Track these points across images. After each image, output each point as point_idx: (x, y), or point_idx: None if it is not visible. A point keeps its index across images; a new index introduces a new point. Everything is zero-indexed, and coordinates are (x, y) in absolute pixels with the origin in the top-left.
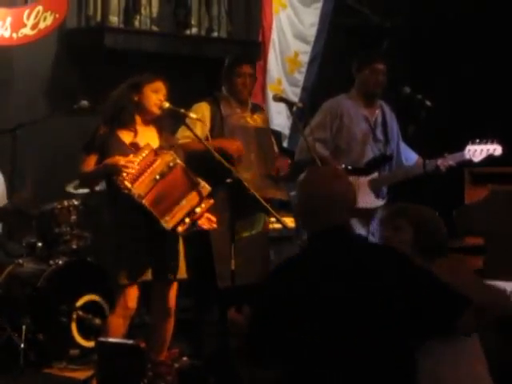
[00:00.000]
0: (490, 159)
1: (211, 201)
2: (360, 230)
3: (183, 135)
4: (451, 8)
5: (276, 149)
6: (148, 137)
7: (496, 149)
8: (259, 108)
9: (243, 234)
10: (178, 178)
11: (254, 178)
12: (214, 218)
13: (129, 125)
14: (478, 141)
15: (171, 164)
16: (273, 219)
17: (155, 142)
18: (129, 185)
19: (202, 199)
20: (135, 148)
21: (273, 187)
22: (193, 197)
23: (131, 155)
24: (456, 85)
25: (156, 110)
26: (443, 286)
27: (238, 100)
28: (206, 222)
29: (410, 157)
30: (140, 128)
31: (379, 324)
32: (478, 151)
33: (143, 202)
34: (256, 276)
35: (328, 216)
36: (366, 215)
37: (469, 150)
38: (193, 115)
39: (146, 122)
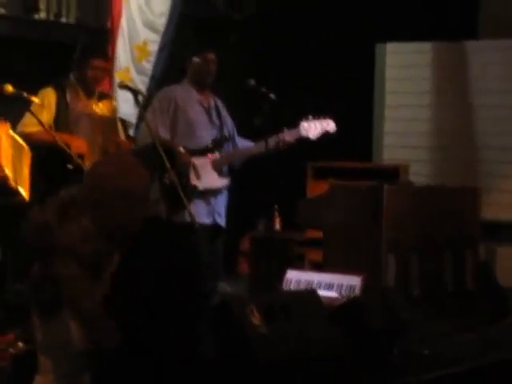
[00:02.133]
0: (332, 152)
1: None
2: (203, 208)
3: (30, 122)
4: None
5: (122, 137)
6: None
7: (329, 123)
8: (106, 96)
9: None
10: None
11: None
12: None
13: None
14: (310, 117)
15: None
16: None
17: None
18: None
19: None
20: None
21: None
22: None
23: None
24: (300, 80)
25: None
26: None
27: (87, 91)
28: None
29: (246, 144)
30: None
31: None
32: (312, 127)
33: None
34: None
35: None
36: (212, 196)
37: (303, 126)
38: (36, 100)
39: None
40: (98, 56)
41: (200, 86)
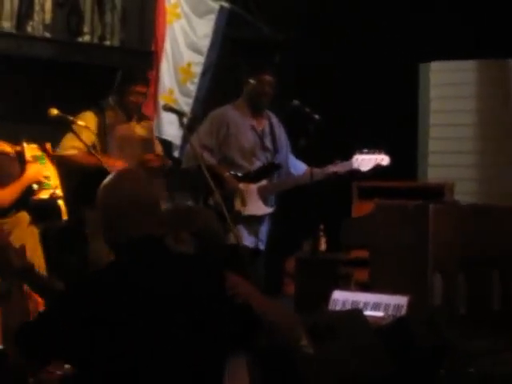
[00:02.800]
0: (377, 172)
1: None
2: (247, 237)
3: (70, 144)
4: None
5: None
6: None
7: (383, 158)
8: (144, 117)
9: None
10: None
11: None
12: None
13: None
14: (365, 150)
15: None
16: None
17: None
18: (53, 186)
19: None
20: None
21: None
22: None
23: None
24: (344, 100)
25: None
26: (244, 307)
27: (126, 113)
28: None
29: (299, 167)
30: None
31: (185, 339)
32: (365, 160)
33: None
34: None
35: (135, 225)
36: (255, 222)
37: (356, 159)
38: (81, 122)
39: None
40: (139, 81)
41: (255, 108)
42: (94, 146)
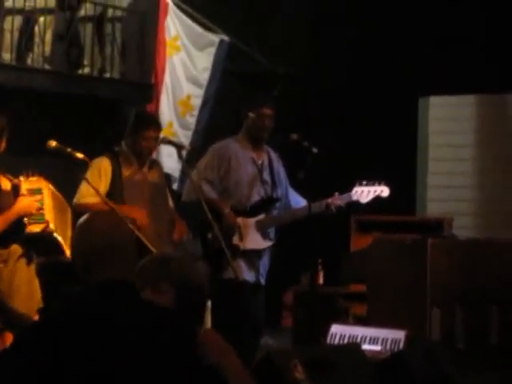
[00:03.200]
0: (376, 205)
1: None
2: (248, 272)
3: (88, 192)
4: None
5: (171, 204)
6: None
7: (383, 190)
8: (155, 162)
9: None
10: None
11: (149, 236)
12: None
13: None
14: (365, 182)
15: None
16: None
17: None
18: (48, 219)
19: None
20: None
21: (168, 245)
22: None
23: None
24: (344, 134)
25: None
26: (213, 371)
27: (140, 160)
28: None
29: (298, 201)
30: None
31: None
32: (365, 192)
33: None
34: None
35: (104, 269)
36: (254, 256)
37: (356, 192)
38: (79, 155)
39: None
40: (152, 127)
41: (255, 141)
42: (109, 193)
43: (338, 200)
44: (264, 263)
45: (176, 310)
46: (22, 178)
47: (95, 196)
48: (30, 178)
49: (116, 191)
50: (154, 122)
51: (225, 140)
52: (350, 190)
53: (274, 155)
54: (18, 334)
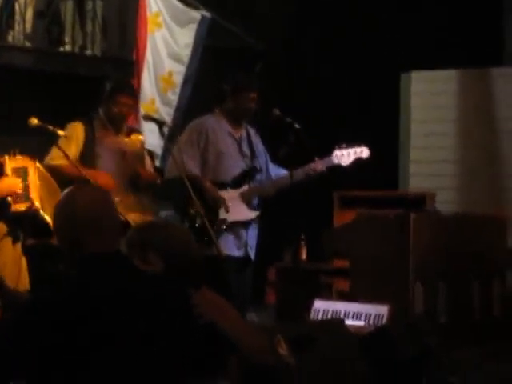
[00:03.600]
0: (359, 181)
1: None
2: (233, 241)
3: (57, 155)
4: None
5: (151, 171)
6: None
7: (363, 151)
8: (135, 130)
9: None
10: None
11: (123, 201)
12: None
13: None
14: (344, 145)
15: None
16: None
17: None
18: (32, 198)
19: None
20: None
21: (139, 212)
22: None
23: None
24: (325, 109)
25: None
26: (210, 329)
27: (114, 127)
28: None
29: (278, 173)
30: None
31: (143, 362)
32: (345, 155)
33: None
34: None
35: (97, 240)
36: (241, 228)
37: (336, 155)
38: (61, 132)
39: None
40: (124, 92)
41: (235, 120)
42: (77, 159)
43: (319, 164)
44: (252, 236)
45: (167, 276)
46: (6, 157)
47: (64, 159)
48: (17, 157)
49: (88, 155)
50: (127, 88)
51: (202, 116)
52: (330, 154)
53: (251, 129)
54: (18, 311)
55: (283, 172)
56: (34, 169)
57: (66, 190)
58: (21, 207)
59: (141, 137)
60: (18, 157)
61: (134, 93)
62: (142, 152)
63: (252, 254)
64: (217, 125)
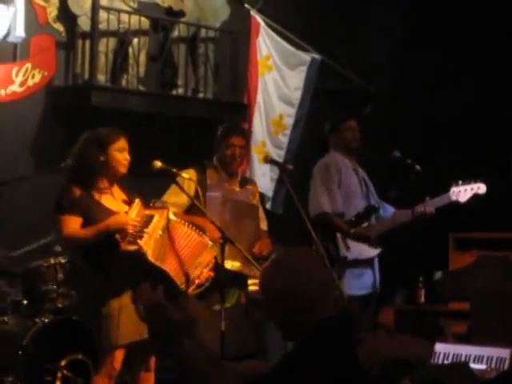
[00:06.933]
0: (474, 223)
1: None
2: (356, 281)
3: (172, 201)
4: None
5: (265, 226)
6: (119, 196)
7: (480, 187)
8: (250, 181)
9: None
10: (184, 235)
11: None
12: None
13: (103, 188)
14: (460, 182)
15: (171, 217)
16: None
17: (122, 199)
18: (141, 243)
19: (211, 259)
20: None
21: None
22: (205, 256)
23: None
24: (441, 151)
25: (123, 170)
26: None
27: (227, 171)
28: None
29: (389, 211)
30: (112, 189)
31: None
32: (462, 191)
33: (153, 260)
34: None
35: (326, 305)
36: (363, 266)
37: (453, 191)
38: (185, 175)
39: (112, 182)
40: (235, 133)
41: (349, 153)
42: (197, 198)
43: (436, 203)
44: (374, 272)
45: None
46: (138, 200)
47: (176, 206)
48: (156, 205)
49: (199, 203)
50: (237, 129)
51: (326, 155)
52: (447, 191)
53: (361, 169)
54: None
55: (391, 209)
56: (163, 219)
57: (277, 258)
58: (129, 247)
59: (257, 187)
60: (157, 206)
61: (246, 134)
62: (256, 204)
63: (377, 287)
64: (343, 162)
